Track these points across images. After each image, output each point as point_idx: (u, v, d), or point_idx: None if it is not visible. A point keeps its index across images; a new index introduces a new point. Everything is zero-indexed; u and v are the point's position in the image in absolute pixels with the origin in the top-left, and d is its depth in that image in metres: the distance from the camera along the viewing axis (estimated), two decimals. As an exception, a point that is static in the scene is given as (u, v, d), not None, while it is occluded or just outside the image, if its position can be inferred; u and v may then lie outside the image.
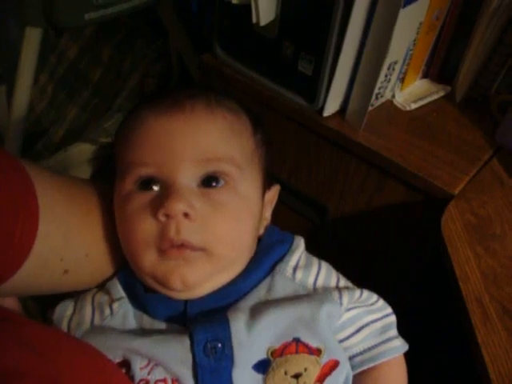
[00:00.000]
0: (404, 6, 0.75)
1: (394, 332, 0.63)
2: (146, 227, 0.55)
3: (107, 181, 0.63)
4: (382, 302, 0.63)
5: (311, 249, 0.66)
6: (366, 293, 0.62)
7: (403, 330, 0.65)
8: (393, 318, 0.63)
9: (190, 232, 0.55)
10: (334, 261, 0.66)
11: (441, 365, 0.92)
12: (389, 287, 0.67)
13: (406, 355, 0.64)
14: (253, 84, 0.95)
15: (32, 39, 1.08)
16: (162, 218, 0.54)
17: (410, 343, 0.64)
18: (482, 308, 0.65)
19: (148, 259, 0.56)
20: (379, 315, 0.63)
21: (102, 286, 0.62)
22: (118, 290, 0.60)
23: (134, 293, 0.60)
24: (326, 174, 0.96)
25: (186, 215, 0.54)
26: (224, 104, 0.61)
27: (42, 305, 0.63)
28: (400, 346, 0.62)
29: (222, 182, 0.57)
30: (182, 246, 0.55)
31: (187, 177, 0.56)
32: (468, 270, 0.69)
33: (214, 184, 0.57)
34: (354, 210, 0.96)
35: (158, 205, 0.55)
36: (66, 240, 0.57)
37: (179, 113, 0.58)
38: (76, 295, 0.63)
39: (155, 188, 0.57)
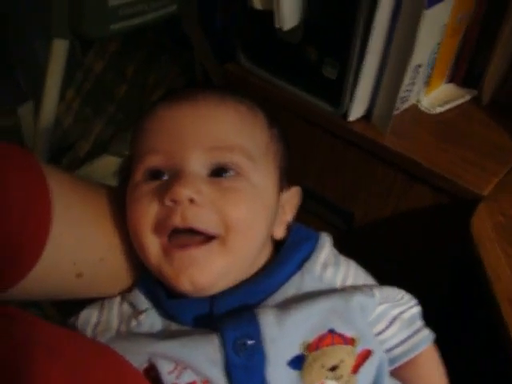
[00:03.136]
0: (428, 7, 0.76)
1: (420, 322, 0.62)
2: (151, 211, 0.54)
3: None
4: (407, 295, 0.63)
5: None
6: (393, 290, 0.62)
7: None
8: (418, 309, 0.63)
9: (198, 218, 0.53)
10: (362, 266, 0.66)
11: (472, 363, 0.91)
12: (418, 289, 0.66)
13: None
14: (277, 90, 0.95)
15: (58, 51, 1.10)
16: (169, 203, 0.53)
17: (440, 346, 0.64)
18: (515, 307, 0.64)
19: (153, 249, 0.55)
20: (405, 307, 0.62)
21: (125, 298, 0.61)
22: (142, 301, 0.59)
23: (157, 301, 0.58)
24: (352, 179, 0.96)
25: (191, 201, 0.53)
26: (237, 98, 0.61)
27: (63, 312, 0.62)
28: (430, 334, 0.62)
29: (232, 173, 0.56)
30: (191, 231, 0.53)
31: (197, 164, 0.55)
32: (499, 270, 0.68)
33: (224, 174, 0.55)
34: (381, 215, 0.95)
35: (165, 190, 0.53)
36: (79, 243, 0.56)
37: (191, 102, 0.58)
38: (99, 302, 0.61)
39: (164, 178, 0.56)
